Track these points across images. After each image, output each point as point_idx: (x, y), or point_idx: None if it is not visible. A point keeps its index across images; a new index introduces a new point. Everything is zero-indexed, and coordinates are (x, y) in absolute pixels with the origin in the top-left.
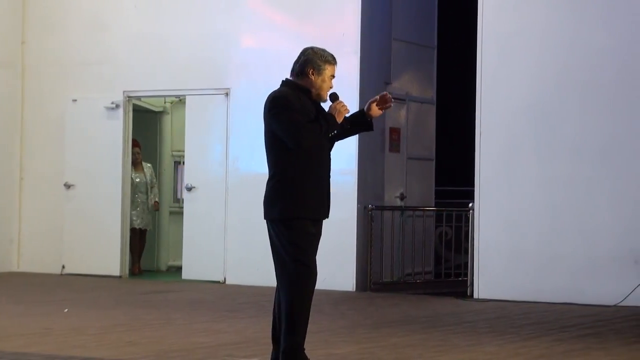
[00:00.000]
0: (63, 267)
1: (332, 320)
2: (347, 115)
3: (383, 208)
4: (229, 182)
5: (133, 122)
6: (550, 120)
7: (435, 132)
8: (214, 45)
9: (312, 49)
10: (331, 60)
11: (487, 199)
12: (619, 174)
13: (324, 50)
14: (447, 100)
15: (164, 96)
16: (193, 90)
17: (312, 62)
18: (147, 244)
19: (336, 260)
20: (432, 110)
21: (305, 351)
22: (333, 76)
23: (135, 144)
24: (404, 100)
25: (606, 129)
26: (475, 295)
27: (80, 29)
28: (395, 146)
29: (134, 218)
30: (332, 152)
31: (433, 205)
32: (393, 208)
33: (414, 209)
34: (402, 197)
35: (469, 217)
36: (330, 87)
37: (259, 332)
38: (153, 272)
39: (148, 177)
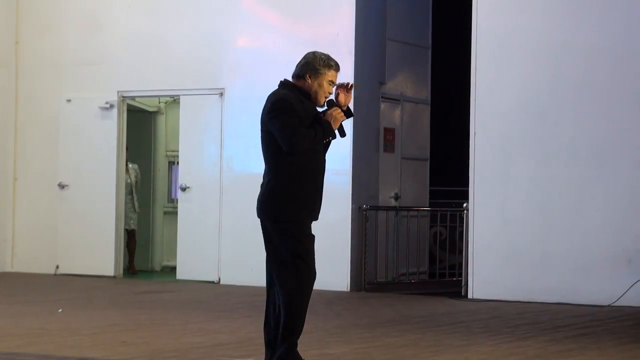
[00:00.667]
0: (57, 267)
1: (326, 320)
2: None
3: (377, 208)
4: (223, 182)
5: (127, 122)
6: (544, 120)
7: (430, 132)
8: (208, 46)
9: (314, 53)
10: (332, 65)
11: (481, 199)
12: (612, 174)
13: (327, 56)
14: (442, 100)
15: (159, 96)
16: (187, 90)
17: (310, 65)
18: (141, 244)
19: (330, 260)
20: (426, 111)
21: (299, 351)
22: (333, 82)
23: None
24: (398, 100)
25: (600, 129)
26: (470, 295)
27: (74, 29)
28: (389, 146)
29: None
30: (326, 153)
31: (427, 205)
32: (387, 208)
33: (408, 209)
34: (396, 197)
35: (463, 217)
36: (330, 93)
37: (254, 332)
38: (147, 272)
39: (133, 178)
